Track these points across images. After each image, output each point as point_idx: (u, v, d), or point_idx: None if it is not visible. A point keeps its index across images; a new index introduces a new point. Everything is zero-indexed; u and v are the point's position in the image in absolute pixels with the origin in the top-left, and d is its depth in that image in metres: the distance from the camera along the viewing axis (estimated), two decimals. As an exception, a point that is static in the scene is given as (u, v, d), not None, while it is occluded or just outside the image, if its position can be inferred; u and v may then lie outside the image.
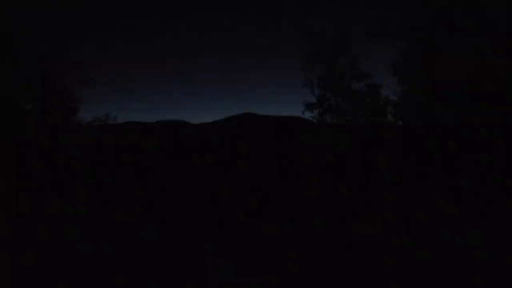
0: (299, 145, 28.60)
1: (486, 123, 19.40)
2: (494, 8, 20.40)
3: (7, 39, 23.19)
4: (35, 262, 8.94)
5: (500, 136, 18.40)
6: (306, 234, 11.24)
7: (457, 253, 9.26)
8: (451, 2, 21.09)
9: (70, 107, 25.89)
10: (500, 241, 9.89)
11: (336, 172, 21.99)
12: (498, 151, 17.85)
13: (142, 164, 26.49)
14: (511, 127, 18.36)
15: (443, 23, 21.27)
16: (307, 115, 27.91)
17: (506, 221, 11.77)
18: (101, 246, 10.14)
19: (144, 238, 10.96)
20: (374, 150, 23.57)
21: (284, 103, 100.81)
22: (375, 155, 23.06)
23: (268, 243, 10.44)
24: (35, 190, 17.65)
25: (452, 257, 9.01)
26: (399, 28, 22.35)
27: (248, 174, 23.11)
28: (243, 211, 14.47)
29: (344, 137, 26.24)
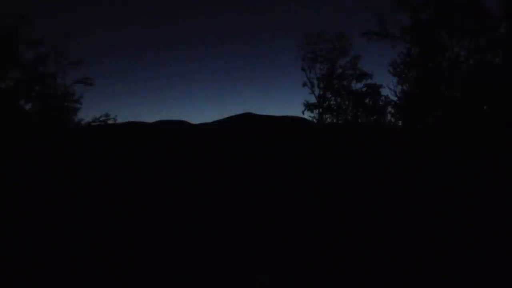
0: (299, 145, 28.60)
1: (486, 122, 19.41)
2: (494, 8, 20.44)
3: (7, 39, 23.20)
4: (35, 261, 8.94)
5: (501, 136, 18.41)
6: (306, 233, 11.24)
7: (457, 253, 9.26)
8: (451, 2, 21.11)
9: (70, 107, 25.93)
10: (501, 242, 9.89)
11: (336, 172, 21.99)
12: (498, 150, 17.85)
13: (142, 164, 26.50)
14: (511, 127, 18.37)
15: (443, 23, 21.27)
16: (307, 115, 27.93)
17: (507, 221, 11.76)
18: (101, 246, 10.14)
19: (143, 238, 10.95)
20: (374, 150, 23.58)
21: (284, 103, 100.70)
22: (375, 155, 23.07)
23: (268, 243, 10.44)
24: (35, 190, 17.64)
25: (452, 257, 9.01)
26: (399, 28, 22.37)
27: (248, 174, 23.11)
28: (243, 211, 14.47)
29: (344, 137, 26.24)
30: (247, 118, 43.00)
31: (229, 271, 8.51)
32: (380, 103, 26.39)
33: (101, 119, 26.42)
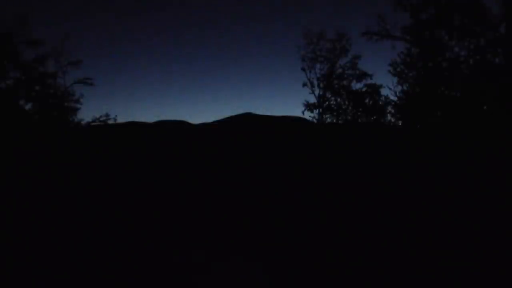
0: (299, 145, 28.60)
1: (486, 123, 19.40)
2: (494, 8, 20.42)
3: (7, 39, 23.21)
4: (35, 261, 8.94)
5: (500, 136, 18.40)
6: (306, 233, 11.24)
7: (457, 253, 9.26)
8: (451, 2, 21.08)
9: (70, 107, 25.97)
10: (501, 242, 9.89)
11: (336, 172, 21.99)
12: (499, 150, 17.85)
13: (142, 164, 26.49)
14: (511, 127, 18.36)
15: (443, 23, 21.25)
16: (307, 115, 27.89)
17: (507, 221, 11.76)
18: (100, 246, 10.14)
19: (143, 238, 10.95)
20: (374, 150, 23.57)
21: (284, 103, 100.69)
22: (375, 155, 23.07)
23: (268, 242, 10.44)
24: (35, 190, 17.65)
25: (452, 257, 9.01)
26: (399, 28, 22.36)
27: (248, 174, 23.11)
28: (243, 211, 14.47)
29: (344, 137, 26.22)
30: (247, 118, 42.98)
31: (229, 271, 8.52)
32: (380, 103, 26.36)
33: (101, 119, 26.48)
